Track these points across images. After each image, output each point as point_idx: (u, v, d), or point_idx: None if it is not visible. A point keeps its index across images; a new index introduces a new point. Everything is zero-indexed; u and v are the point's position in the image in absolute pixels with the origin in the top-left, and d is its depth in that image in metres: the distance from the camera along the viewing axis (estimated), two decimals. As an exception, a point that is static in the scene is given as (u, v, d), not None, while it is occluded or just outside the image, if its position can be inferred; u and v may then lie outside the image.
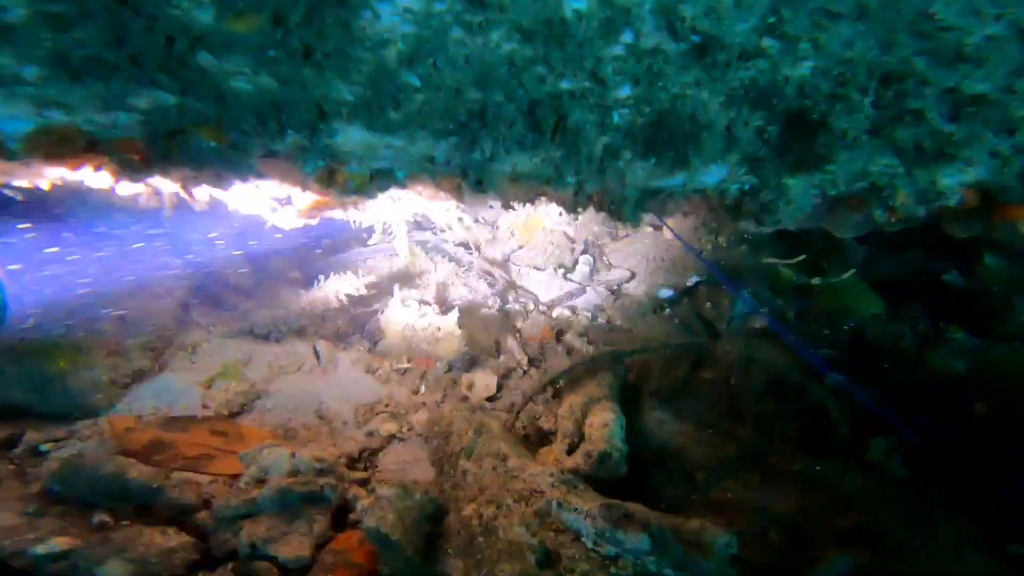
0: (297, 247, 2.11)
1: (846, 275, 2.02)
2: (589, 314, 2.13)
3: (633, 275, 2.25)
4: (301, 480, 1.09)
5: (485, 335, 1.94)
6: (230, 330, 1.66)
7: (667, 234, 2.31)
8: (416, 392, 1.70)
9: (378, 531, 1.01)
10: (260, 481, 1.09)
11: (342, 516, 1.14)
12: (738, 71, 0.55)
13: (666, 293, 2.16)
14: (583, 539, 1.07)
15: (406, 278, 2.03)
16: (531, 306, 2.12)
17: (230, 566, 0.98)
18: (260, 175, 0.54)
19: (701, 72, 0.57)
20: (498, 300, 2.10)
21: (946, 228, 0.64)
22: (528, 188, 0.63)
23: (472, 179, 0.59)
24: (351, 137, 0.56)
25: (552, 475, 1.21)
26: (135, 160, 0.49)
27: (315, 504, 1.09)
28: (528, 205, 0.75)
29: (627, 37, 0.57)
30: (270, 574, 0.98)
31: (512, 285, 2.21)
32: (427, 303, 1.94)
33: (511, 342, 1.95)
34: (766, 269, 2.16)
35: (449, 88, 0.56)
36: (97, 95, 0.45)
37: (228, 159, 0.51)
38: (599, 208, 0.69)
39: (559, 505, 1.10)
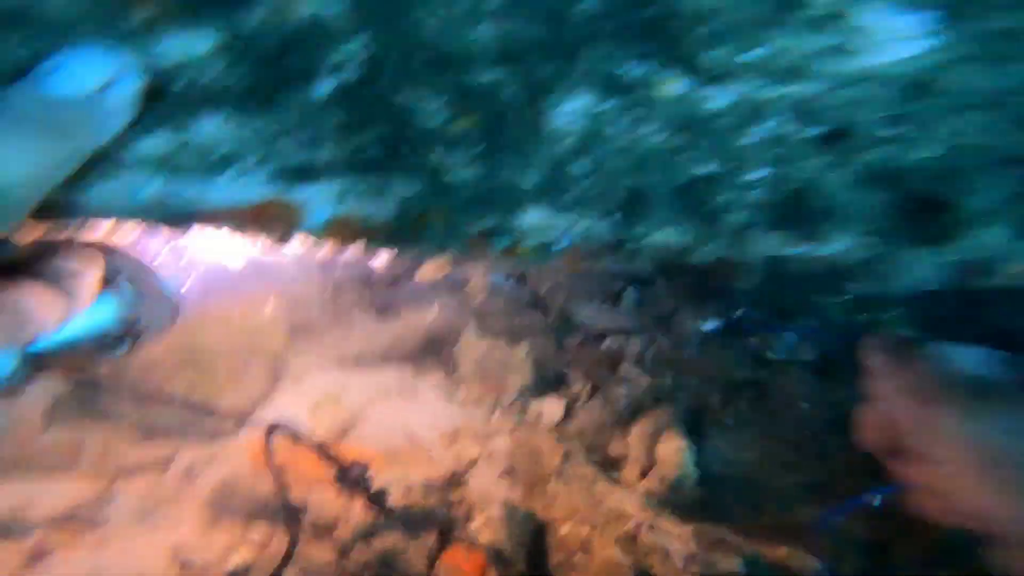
0: (360, 280, 2.20)
1: (890, 314, 2.04)
2: (640, 345, 2.18)
3: (677, 308, 2.30)
4: (415, 499, 1.18)
5: (546, 365, 2.01)
6: (325, 358, 1.76)
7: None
8: (490, 418, 1.78)
9: (494, 547, 1.08)
10: (382, 502, 1.18)
11: (445, 533, 1.21)
12: (869, 154, 0.63)
13: (710, 325, 2.20)
14: (672, 559, 1.12)
15: (474, 311, 2.11)
16: (582, 336, 2.19)
17: (367, 579, 1.06)
18: (464, 252, 0.63)
19: (831, 156, 0.64)
20: (552, 330, 2.17)
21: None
22: (668, 255, 0.71)
23: (627, 250, 0.68)
24: (532, 217, 0.64)
25: (636, 499, 1.27)
26: (382, 239, 0.59)
27: (426, 521, 1.17)
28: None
29: (763, 128, 0.65)
30: (394, 583, 1.06)
31: (563, 316, 2.28)
32: (496, 334, 2.01)
33: (571, 372, 2.01)
34: (813, 306, 2.18)
35: (611, 174, 0.64)
36: (374, 187, 0.54)
37: (448, 238, 0.60)
38: (720, 271, 0.77)
39: (650, 527, 1.16)
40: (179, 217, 0.52)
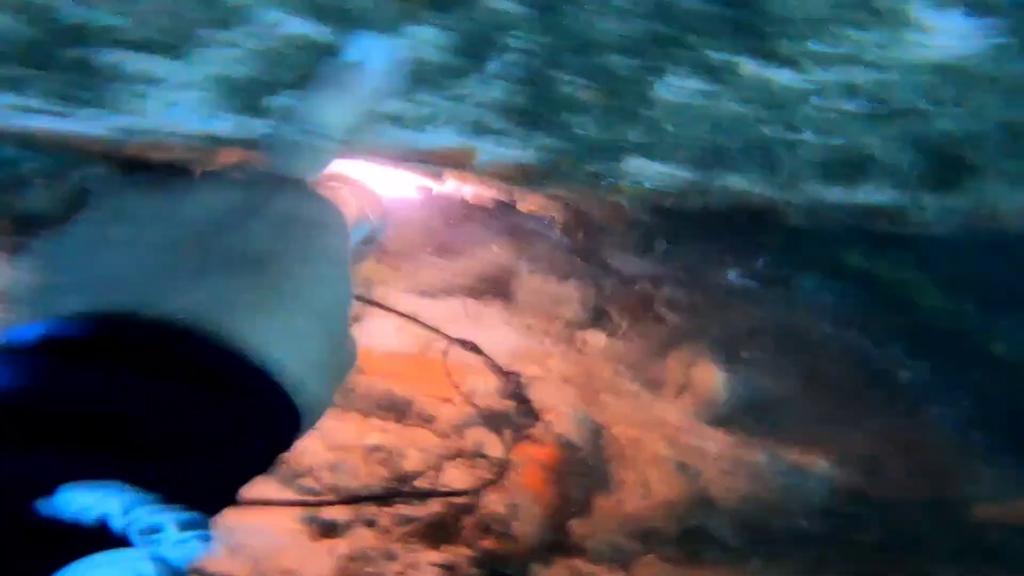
0: (427, 221, 2.38)
1: (909, 269, 2.19)
2: (669, 290, 2.34)
3: (704, 256, 2.45)
4: (495, 401, 1.39)
5: (589, 302, 2.20)
6: (402, 287, 1.97)
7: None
8: (544, 342, 1.98)
9: (566, 436, 1.29)
10: (468, 401, 1.40)
11: (518, 431, 1.44)
12: (898, 122, 0.79)
13: (733, 274, 2.36)
14: (708, 454, 1.33)
15: (526, 254, 2.29)
16: (618, 280, 2.36)
17: (459, 459, 1.28)
18: (580, 187, 0.81)
19: (868, 123, 0.81)
20: (592, 274, 2.34)
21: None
22: (734, 196, 0.88)
23: (701, 191, 0.85)
24: (631, 164, 0.82)
25: (676, 410, 1.48)
26: (523, 177, 0.77)
27: (503, 420, 1.39)
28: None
29: (816, 100, 0.81)
30: (482, 463, 1.28)
31: (602, 263, 2.44)
32: (546, 274, 2.20)
33: (610, 308, 2.20)
34: (832, 258, 2.35)
35: (693, 133, 0.82)
36: (522, 139, 0.73)
37: (571, 178, 0.78)
38: (773, 210, 0.94)
39: (688, 431, 1.36)
40: (404, 156, 0.71)
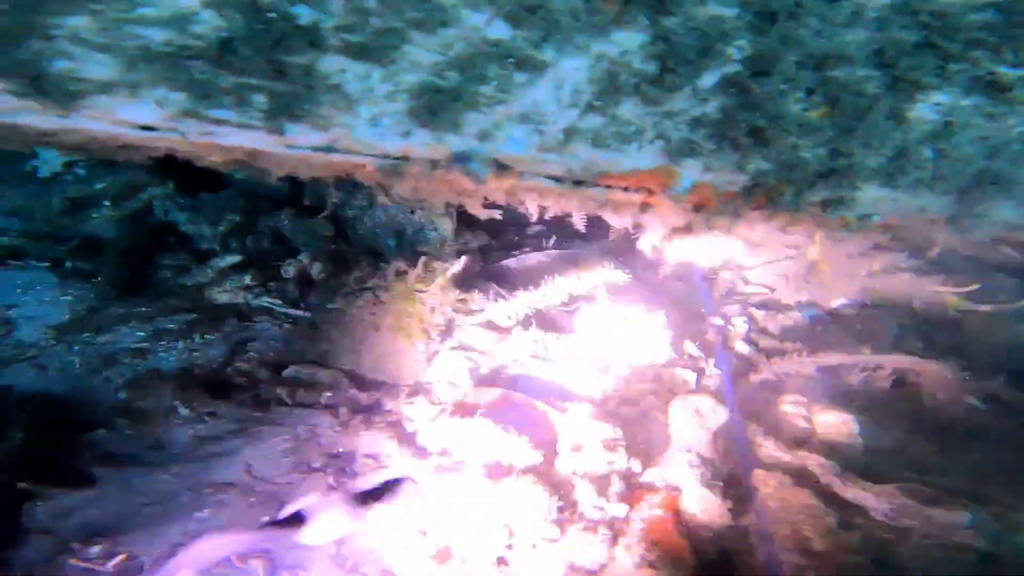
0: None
1: (1012, 307, 1.86)
2: (744, 324, 2.02)
3: (772, 291, 2.15)
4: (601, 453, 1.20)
5: (673, 339, 1.90)
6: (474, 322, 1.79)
7: (811, 255, 2.18)
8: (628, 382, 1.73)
9: (694, 490, 1.11)
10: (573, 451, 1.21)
11: (630, 477, 1.23)
12: None
13: (810, 312, 2.05)
14: (872, 512, 1.11)
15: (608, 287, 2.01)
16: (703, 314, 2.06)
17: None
18: (795, 219, 0.61)
19: None
20: (678, 309, 2.06)
21: None
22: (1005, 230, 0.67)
23: (962, 225, 0.64)
24: (868, 193, 0.61)
25: (818, 461, 1.25)
26: (727, 203, 0.58)
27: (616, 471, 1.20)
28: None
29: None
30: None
31: (687, 296, 2.15)
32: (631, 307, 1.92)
33: (689, 345, 1.89)
34: (928, 296, 2.01)
35: (959, 159, 0.60)
36: (729, 161, 0.54)
37: (792, 205, 0.59)
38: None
39: (844, 483, 1.14)
40: (599, 177, 0.56)
